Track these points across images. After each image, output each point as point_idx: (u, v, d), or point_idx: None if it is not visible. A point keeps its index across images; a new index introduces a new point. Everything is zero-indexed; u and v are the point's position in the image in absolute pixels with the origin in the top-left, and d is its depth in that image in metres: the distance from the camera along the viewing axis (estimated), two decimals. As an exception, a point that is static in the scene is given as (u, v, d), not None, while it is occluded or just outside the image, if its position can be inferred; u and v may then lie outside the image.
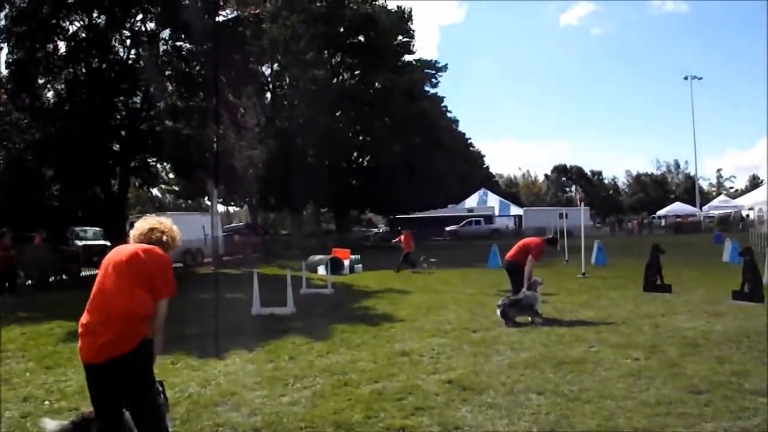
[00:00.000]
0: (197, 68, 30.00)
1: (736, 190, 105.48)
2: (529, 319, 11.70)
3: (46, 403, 7.32)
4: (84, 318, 4.44)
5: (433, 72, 60.65)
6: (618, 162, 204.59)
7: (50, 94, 29.16)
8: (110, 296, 4.39)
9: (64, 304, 17.32)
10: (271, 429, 6.11)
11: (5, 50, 26.78)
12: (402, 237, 26.55)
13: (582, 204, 29.93)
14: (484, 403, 6.64)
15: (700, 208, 73.98)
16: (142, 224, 4.86)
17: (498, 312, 11.70)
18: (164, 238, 4.78)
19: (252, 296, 14.41)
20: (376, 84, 50.42)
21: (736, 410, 6.04)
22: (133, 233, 4.82)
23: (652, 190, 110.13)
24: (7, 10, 26.37)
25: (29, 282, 22.96)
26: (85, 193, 33.47)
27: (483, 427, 5.90)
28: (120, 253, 4.60)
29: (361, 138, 55.11)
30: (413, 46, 55.56)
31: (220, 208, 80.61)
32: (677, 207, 76.89)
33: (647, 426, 5.72)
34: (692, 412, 6.04)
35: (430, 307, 14.43)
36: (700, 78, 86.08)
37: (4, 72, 27.93)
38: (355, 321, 12.70)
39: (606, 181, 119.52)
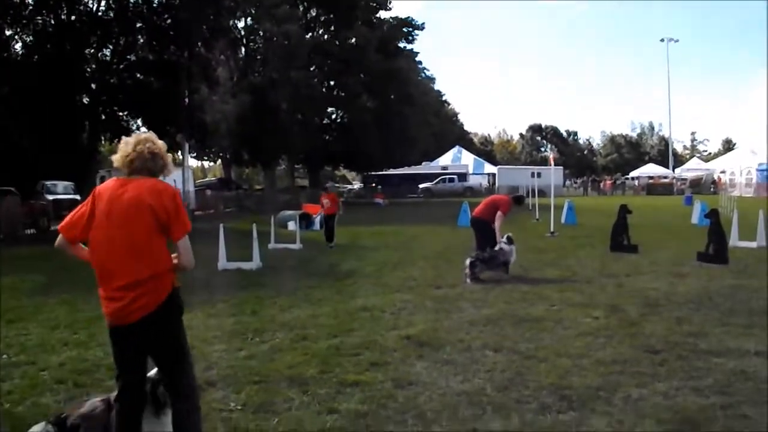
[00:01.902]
0: (168, 21, 29.40)
1: (710, 153, 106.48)
2: (503, 275, 11.75)
3: (5, 356, 7.23)
4: (102, 283, 4.02)
5: (410, 29, 59.99)
6: (594, 123, 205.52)
7: (18, 46, 28.46)
8: (124, 256, 3.93)
9: (31, 258, 17.24)
10: (225, 383, 6.04)
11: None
12: (327, 197, 20.27)
13: (554, 163, 29.92)
14: (440, 359, 6.63)
15: (673, 170, 74.65)
16: (126, 148, 4.11)
17: (467, 262, 11.71)
18: (164, 163, 4.18)
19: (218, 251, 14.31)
20: (351, 39, 49.74)
21: (689, 370, 6.06)
22: (119, 158, 4.12)
23: (627, 151, 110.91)
24: (-27, -41, 25.61)
25: (-2, 236, 22.67)
26: (54, 146, 32.93)
27: (436, 384, 5.86)
28: (117, 200, 3.99)
29: (334, 93, 54.64)
30: (389, 2, 54.89)
31: (195, 162, 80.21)
32: (650, 168, 77.70)
33: (600, 384, 5.70)
34: (646, 371, 6.05)
35: (397, 263, 14.44)
36: (677, 40, 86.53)
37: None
38: (321, 276, 12.72)
39: (581, 142, 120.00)
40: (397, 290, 10.85)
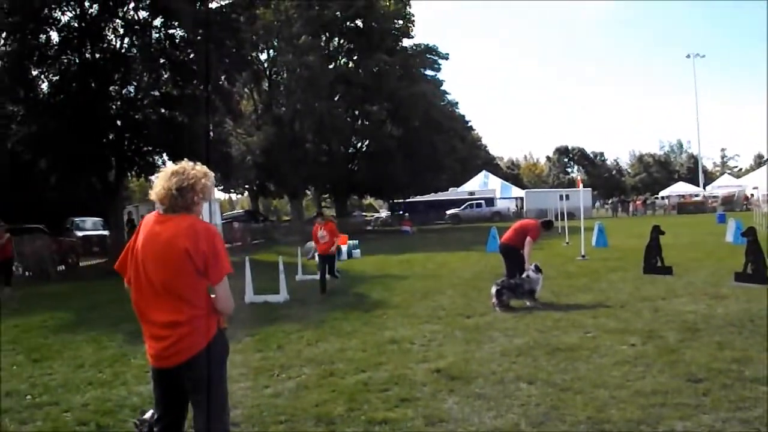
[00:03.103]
0: (191, 56, 29.65)
1: (740, 169, 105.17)
2: (527, 303, 11.47)
3: (28, 397, 7.17)
4: (141, 321, 3.97)
5: (435, 58, 60.05)
6: (621, 143, 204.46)
7: (44, 86, 28.74)
8: (160, 296, 3.86)
9: (59, 295, 17.43)
10: (250, 423, 5.90)
11: (-2, 42, 26.38)
12: (322, 226, 15.31)
13: (582, 185, 29.55)
14: (472, 393, 6.40)
15: (704, 188, 73.67)
16: (156, 185, 4.01)
17: (493, 290, 11.47)
18: (195, 198, 3.94)
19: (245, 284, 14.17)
20: (373, 68, 49.83)
21: (735, 400, 5.76)
22: (154, 195, 3.99)
23: (656, 170, 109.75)
24: (-2, 2, 25.99)
25: (28, 273, 22.83)
26: (81, 183, 33.32)
27: (468, 420, 5.65)
28: (153, 239, 3.89)
29: (359, 122, 54.76)
30: (412, 30, 55.02)
31: (222, 195, 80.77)
32: (680, 187, 76.72)
33: (641, 417, 5.45)
34: (689, 403, 5.77)
35: (426, 292, 14.18)
36: (703, 56, 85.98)
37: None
38: (348, 308, 12.51)
39: (609, 162, 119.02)
40: (427, 321, 10.62)
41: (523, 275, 11.76)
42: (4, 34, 26.12)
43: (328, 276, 15.29)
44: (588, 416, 5.55)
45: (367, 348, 8.73)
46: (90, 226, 35.34)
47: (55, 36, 27.54)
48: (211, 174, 4.11)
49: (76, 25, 27.44)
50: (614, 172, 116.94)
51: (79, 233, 32.68)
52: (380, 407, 6.11)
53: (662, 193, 76.12)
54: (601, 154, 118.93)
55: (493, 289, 11.48)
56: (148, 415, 4.54)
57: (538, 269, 11.79)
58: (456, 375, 7.06)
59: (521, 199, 71.14)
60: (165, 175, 3.98)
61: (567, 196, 32.39)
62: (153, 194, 4.00)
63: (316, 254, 16.45)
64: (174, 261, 3.80)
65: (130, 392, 7.09)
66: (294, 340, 9.58)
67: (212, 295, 3.95)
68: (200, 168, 4.05)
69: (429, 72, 59.20)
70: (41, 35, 27.08)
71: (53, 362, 8.90)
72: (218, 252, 3.87)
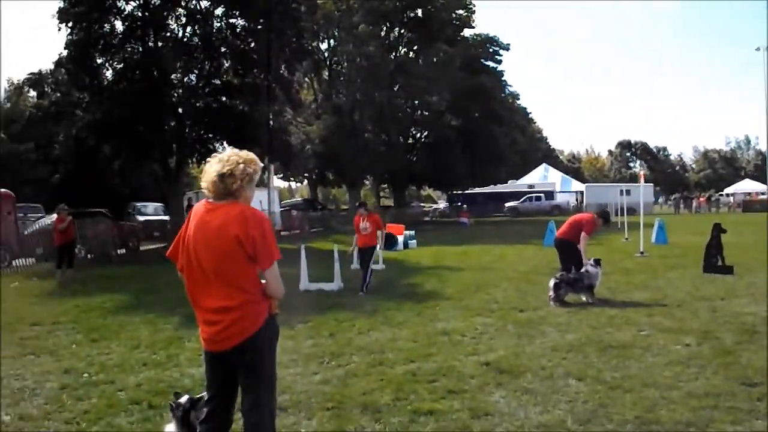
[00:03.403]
0: (252, 45, 30.05)
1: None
2: (583, 298, 11.32)
3: (85, 375, 7.41)
4: (194, 307, 4.06)
5: (496, 48, 59.47)
6: (685, 138, 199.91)
7: (109, 74, 29.42)
8: (211, 282, 3.93)
9: (119, 278, 17.82)
10: (297, 408, 5.99)
11: (64, 31, 27.09)
12: (365, 217, 14.04)
13: (644, 180, 28.96)
14: (520, 387, 6.36)
15: (772, 186, 71.53)
16: (205, 172, 4.07)
17: (551, 283, 11.35)
18: (234, 184, 3.93)
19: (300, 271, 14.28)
20: (434, 58, 49.60)
21: (792, 407, 5.59)
22: (203, 184, 4.04)
23: (721, 166, 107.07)
24: (65, -8, 26.69)
25: (90, 256, 23.40)
26: (143, 169, 34.10)
27: (514, 415, 5.62)
28: (204, 227, 3.95)
29: (419, 113, 54.65)
30: (473, 20, 54.58)
31: (282, 183, 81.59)
32: (747, 185, 74.69)
33: (691, 419, 5.34)
34: (742, 407, 5.62)
35: (480, 285, 14.08)
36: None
37: (64, 52, 28.19)
38: (402, 298, 12.53)
39: (672, 158, 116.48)
40: (479, 313, 10.57)
41: (582, 270, 11.61)
42: (70, 24, 26.82)
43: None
44: (636, 416, 5.47)
45: (417, 338, 8.75)
46: (151, 211, 36.23)
47: (119, 25, 28.30)
48: (256, 160, 4.10)
49: (139, 14, 28.09)
50: (677, 167, 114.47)
51: (141, 218, 33.52)
52: (427, 398, 6.12)
53: (727, 191, 74.31)
54: (665, 149, 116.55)
55: (551, 282, 11.37)
56: (183, 399, 4.66)
57: (597, 263, 11.61)
58: (505, 369, 7.03)
59: (581, 193, 70.00)
60: (211, 163, 4.03)
61: (628, 191, 31.85)
62: (202, 183, 4.06)
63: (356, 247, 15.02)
64: (225, 248, 3.86)
65: (183, 374, 7.26)
66: (346, 328, 9.65)
67: (263, 281, 4.00)
68: (244, 154, 4.06)
69: (490, 63, 58.75)
70: (106, 24, 27.86)
71: (110, 342, 9.16)
72: (266, 238, 3.92)
